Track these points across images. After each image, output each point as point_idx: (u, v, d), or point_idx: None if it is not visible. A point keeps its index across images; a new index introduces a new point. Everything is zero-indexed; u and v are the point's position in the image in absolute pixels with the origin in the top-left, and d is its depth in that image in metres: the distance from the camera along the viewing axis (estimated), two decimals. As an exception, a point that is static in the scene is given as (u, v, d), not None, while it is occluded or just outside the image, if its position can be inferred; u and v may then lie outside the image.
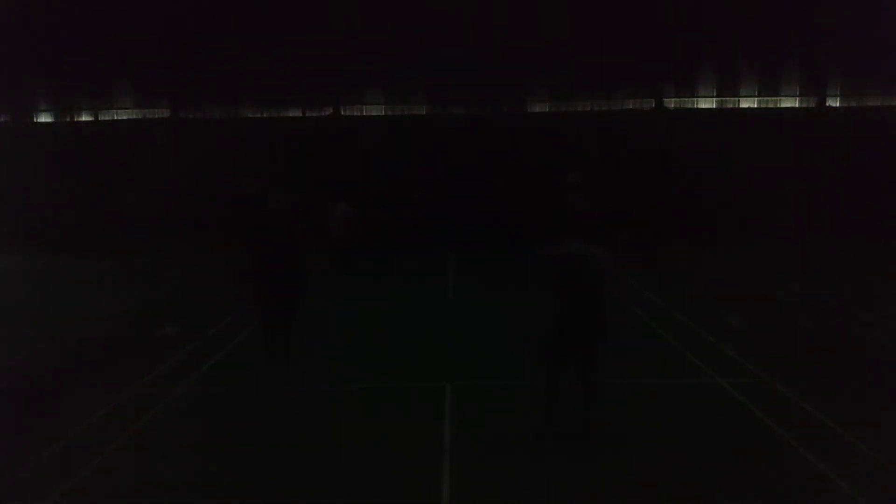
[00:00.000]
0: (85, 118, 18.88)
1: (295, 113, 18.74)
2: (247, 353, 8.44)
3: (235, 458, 5.54)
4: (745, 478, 5.10)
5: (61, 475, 5.23)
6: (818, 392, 6.67)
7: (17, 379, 7.63)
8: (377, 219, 15.97)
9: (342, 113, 18.60)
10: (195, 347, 8.67)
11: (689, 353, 8.13)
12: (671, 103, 18.33)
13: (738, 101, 18.18)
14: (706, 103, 18.32)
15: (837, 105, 17.98)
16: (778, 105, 18.13)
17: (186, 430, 6.15)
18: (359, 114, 18.73)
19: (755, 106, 18.14)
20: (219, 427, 6.22)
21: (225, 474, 5.27)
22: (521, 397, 6.56)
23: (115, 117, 18.90)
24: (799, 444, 5.56)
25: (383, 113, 18.67)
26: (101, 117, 18.86)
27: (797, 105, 18.09)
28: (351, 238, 13.91)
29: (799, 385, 6.87)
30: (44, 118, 18.94)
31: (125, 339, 9.14)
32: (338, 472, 5.32)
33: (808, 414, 6.20)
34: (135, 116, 18.82)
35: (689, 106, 18.30)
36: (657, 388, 7.04)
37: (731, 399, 6.66)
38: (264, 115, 18.71)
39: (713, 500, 4.83)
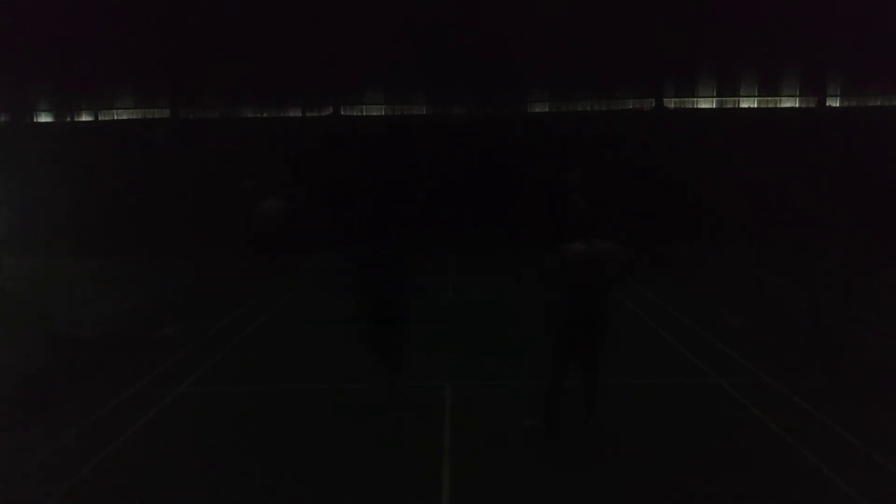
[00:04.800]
0: (85, 118, 18.88)
1: (295, 113, 18.75)
2: (247, 352, 8.45)
3: (234, 458, 5.54)
4: (744, 478, 5.10)
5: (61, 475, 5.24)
6: (818, 392, 6.68)
7: (18, 378, 7.64)
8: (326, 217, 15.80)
9: (342, 113, 18.61)
10: (196, 346, 8.67)
11: (690, 353, 8.14)
12: (671, 103, 18.33)
13: (738, 101, 18.18)
14: (706, 103, 18.32)
15: (837, 105, 17.98)
16: (778, 105, 18.13)
17: (186, 430, 6.15)
18: (359, 114, 18.74)
19: (755, 106, 18.15)
20: (218, 427, 6.22)
21: (224, 474, 5.28)
22: (521, 397, 6.56)
23: (115, 117, 18.90)
24: (799, 444, 5.57)
25: (383, 113, 18.68)
26: (101, 117, 18.87)
27: (797, 105, 18.10)
28: (274, 233, 13.72)
29: (799, 385, 6.88)
30: (44, 118, 18.94)
31: (126, 339, 9.14)
32: (338, 472, 5.32)
33: (809, 414, 6.20)
34: (135, 116, 18.83)
35: (689, 106, 18.31)
36: (657, 389, 7.04)
37: (731, 399, 6.66)
38: (264, 114, 18.72)
39: (713, 501, 4.83)
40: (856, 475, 5.03)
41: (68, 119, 18.77)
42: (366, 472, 5.30)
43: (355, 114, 18.72)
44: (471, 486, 5.02)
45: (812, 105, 17.93)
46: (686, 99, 18.35)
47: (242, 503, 4.89)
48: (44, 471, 5.33)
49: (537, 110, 18.54)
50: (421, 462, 5.41)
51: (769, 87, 18.05)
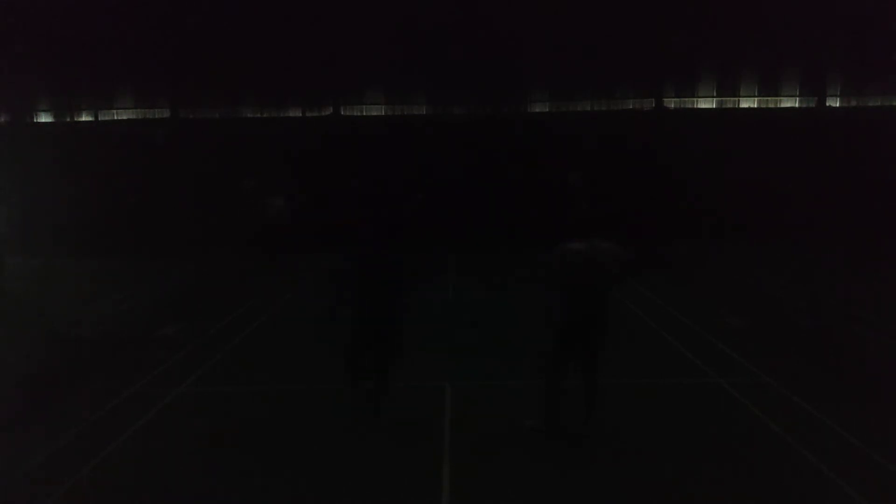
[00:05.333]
0: (85, 118, 18.88)
1: (295, 113, 18.76)
2: (247, 352, 8.45)
3: (234, 458, 5.54)
4: (745, 478, 5.10)
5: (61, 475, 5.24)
6: (818, 392, 6.67)
7: (18, 378, 7.63)
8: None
9: (342, 113, 18.61)
10: (196, 346, 8.67)
11: (690, 353, 8.13)
12: (671, 103, 18.33)
13: (738, 101, 18.19)
14: (706, 103, 18.33)
15: (837, 105, 17.98)
16: (778, 105, 18.14)
17: (186, 430, 6.14)
18: (359, 114, 18.74)
19: (755, 106, 18.15)
20: (218, 427, 6.21)
21: (224, 474, 5.27)
22: (521, 397, 6.56)
23: (115, 117, 18.90)
24: (799, 444, 5.56)
25: (383, 113, 18.68)
26: (101, 117, 18.87)
27: (797, 105, 18.10)
28: (274, 233, 14.26)
29: (799, 385, 6.88)
30: (44, 118, 18.94)
31: (126, 338, 9.14)
32: (338, 472, 5.32)
33: (809, 414, 6.20)
34: (135, 116, 18.83)
35: (689, 106, 18.31)
36: (657, 389, 7.04)
37: (731, 399, 6.66)
38: (264, 114, 18.73)
39: (713, 500, 4.83)
40: (856, 475, 5.03)
41: (68, 119, 18.78)
42: (366, 471, 5.29)
43: (355, 114, 18.73)
44: (471, 486, 5.02)
45: (812, 105, 17.93)
46: (686, 99, 18.36)
47: (242, 503, 4.89)
48: (44, 471, 5.33)
49: (537, 110, 18.54)
50: (421, 462, 5.41)
51: (769, 87, 18.06)
